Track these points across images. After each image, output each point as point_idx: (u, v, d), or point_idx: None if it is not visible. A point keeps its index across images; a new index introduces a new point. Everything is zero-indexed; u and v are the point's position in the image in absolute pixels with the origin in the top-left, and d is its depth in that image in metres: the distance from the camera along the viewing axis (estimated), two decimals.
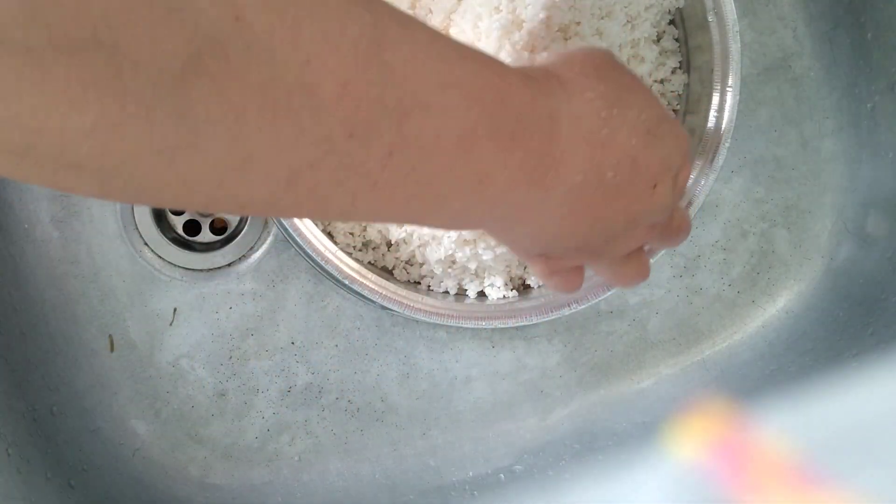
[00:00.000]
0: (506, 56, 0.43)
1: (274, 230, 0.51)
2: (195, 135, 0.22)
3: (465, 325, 0.48)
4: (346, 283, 0.46)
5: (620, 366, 0.53)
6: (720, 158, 0.47)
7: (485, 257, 0.46)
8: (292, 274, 0.51)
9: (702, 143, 0.48)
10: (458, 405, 0.52)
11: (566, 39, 0.46)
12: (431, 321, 0.48)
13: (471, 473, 0.52)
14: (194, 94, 0.21)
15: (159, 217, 0.52)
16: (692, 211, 0.47)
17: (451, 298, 0.49)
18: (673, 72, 0.50)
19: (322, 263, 0.46)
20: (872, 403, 0.40)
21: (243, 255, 0.51)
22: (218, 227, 0.52)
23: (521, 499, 0.50)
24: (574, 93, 0.32)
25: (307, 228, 0.46)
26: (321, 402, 0.51)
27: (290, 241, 0.47)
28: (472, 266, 0.48)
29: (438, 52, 0.27)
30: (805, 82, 0.55)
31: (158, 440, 0.51)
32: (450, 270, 0.48)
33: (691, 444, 0.45)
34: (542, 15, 0.44)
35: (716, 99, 0.48)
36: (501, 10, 0.44)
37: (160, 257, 0.51)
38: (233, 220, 0.52)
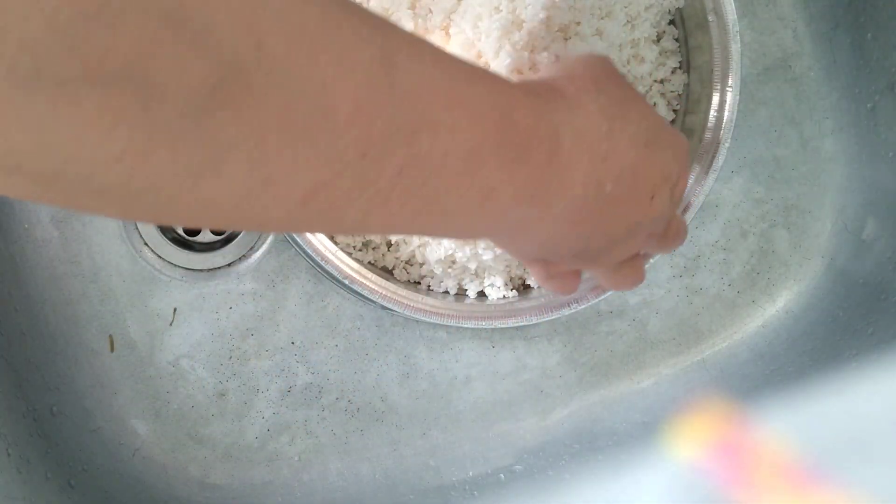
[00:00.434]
0: (506, 56, 0.43)
1: None
2: (218, 160, 0.22)
3: (465, 325, 0.48)
4: (346, 283, 0.46)
5: (620, 366, 0.53)
6: (720, 158, 0.47)
7: (485, 257, 0.47)
8: (292, 274, 0.51)
9: (702, 143, 0.48)
10: (458, 405, 0.52)
11: (566, 39, 0.46)
12: (431, 321, 0.48)
13: (471, 473, 0.52)
14: (218, 121, 0.21)
15: None
16: (692, 212, 0.47)
17: (451, 298, 0.49)
18: (673, 72, 0.50)
19: (322, 263, 0.46)
20: (872, 403, 0.40)
21: (243, 255, 0.51)
22: None
23: (521, 499, 0.50)
24: (576, 107, 0.33)
25: None
26: (321, 402, 0.51)
27: (289, 241, 0.47)
28: (472, 266, 0.48)
29: (446, 73, 0.28)
30: (805, 82, 0.55)
31: (158, 440, 0.51)
32: (450, 270, 0.48)
33: (691, 444, 0.45)
34: (542, 15, 0.44)
35: (716, 99, 0.48)
36: (501, 10, 0.44)
37: (160, 257, 0.51)
38: None
